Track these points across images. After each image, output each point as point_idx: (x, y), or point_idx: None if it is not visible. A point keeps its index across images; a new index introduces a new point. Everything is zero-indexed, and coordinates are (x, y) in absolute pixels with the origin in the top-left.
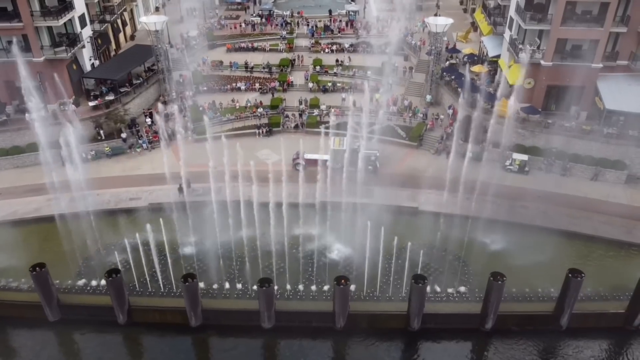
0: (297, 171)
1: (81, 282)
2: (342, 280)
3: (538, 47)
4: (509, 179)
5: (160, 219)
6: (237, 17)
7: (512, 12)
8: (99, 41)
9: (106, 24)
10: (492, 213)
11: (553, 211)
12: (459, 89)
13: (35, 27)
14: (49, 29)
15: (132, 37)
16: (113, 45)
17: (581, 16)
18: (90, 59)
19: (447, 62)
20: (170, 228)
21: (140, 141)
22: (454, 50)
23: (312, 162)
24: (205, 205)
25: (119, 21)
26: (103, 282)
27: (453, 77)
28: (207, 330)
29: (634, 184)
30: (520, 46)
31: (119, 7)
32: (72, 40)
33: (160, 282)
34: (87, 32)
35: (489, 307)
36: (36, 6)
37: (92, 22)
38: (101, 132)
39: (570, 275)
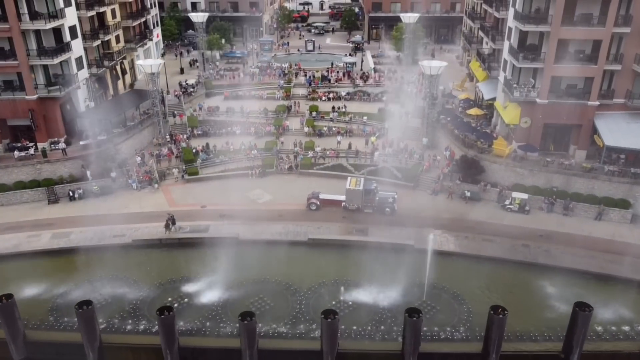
0: (310, 210)
1: (51, 318)
2: (331, 315)
3: (533, 86)
4: (509, 219)
5: (143, 255)
6: (237, 69)
7: (505, 54)
8: (97, 85)
9: (104, 69)
10: (491, 251)
11: (556, 250)
12: (456, 131)
13: (31, 66)
14: (45, 68)
15: (132, 86)
16: (111, 91)
17: (574, 54)
18: (85, 101)
19: (443, 106)
20: (153, 264)
21: (129, 181)
22: (450, 96)
23: (327, 202)
24: (192, 243)
25: (118, 68)
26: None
27: (449, 119)
28: None
29: None
30: (514, 85)
31: (119, 54)
32: (67, 80)
33: (136, 318)
34: (83, 74)
35: (491, 345)
36: (33, 45)
37: (90, 65)
38: (88, 172)
39: (577, 309)
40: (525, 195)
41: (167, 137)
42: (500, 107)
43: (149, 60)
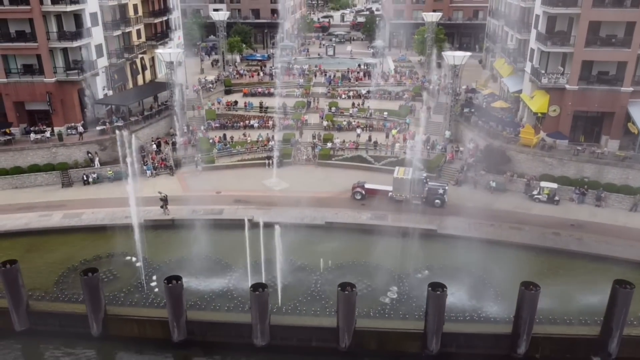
0: (355, 200)
1: (55, 289)
2: (348, 287)
3: (562, 74)
4: (538, 209)
5: (153, 234)
6: (256, 70)
7: (532, 43)
8: (116, 76)
9: (123, 60)
10: (519, 238)
11: (588, 238)
12: (480, 122)
13: (50, 50)
14: (64, 52)
15: (152, 82)
16: (130, 85)
17: (606, 39)
18: (103, 89)
19: (467, 100)
20: (162, 242)
21: (145, 167)
22: (473, 92)
23: (373, 192)
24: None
25: (138, 63)
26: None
27: (472, 110)
28: (190, 347)
29: None
30: (542, 72)
31: (139, 48)
32: (86, 66)
33: (145, 293)
34: (102, 62)
35: (521, 325)
36: (53, 28)
37: (110, 55)
38: (96, 159)
39: (617, 286)
40: (554, 185)
41: (185, 128)
42: (526, 97)
43: (169, 49)
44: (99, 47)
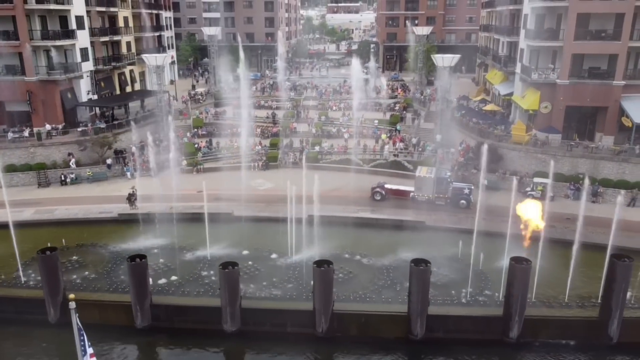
0: (375, 200)
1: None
2: (325, 264)
3: (553, 70)
4: None
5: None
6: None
7: (521, 43)
8: (102, 84)
9: (110, 67)
10: (512, 230)
11: (586, 230)
12: (471, 123)
13: (33, 49)
14: (48, 53)
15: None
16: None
17: (596, 33)
18: (88, 93)
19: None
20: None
21: (125, 169)
22: (466, 99)
23: (394, 192)
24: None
25: (127, 74)
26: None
27: (463, 112)
28: (155, 333)
29: None
30: (532, 68)
31: (127, 58)
32: (70, 67)
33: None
34: (87, 66)
35: (513, 304)
36: (37, 27)
37: (96, 61)
38: (72, 160)
39: (615, 259)
40: (548, 180)
41: (171, 133)
42: (517, 98)
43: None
44: (84, 51)
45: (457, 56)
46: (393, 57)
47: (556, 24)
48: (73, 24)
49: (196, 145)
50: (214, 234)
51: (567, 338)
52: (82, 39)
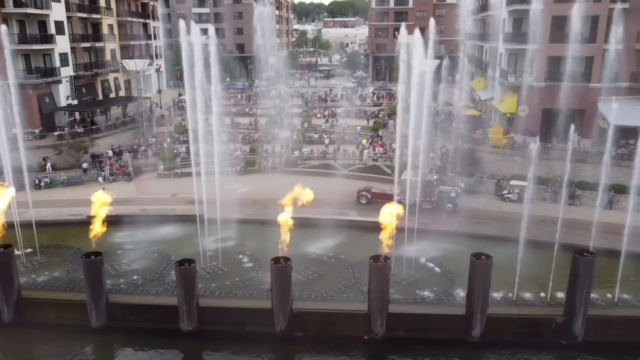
0: (360, 204)
1: None
2: (282, 260)
3: (530, 73)
4: (508, 207)
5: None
6: (236, 95)
7: (500, 47)
8: (84, 90)
9: (91, 73)
10: (485, 231)
11: (560, 231)
12: (450, 127)
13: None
14: (26, 57)
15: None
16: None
17: (572, 36)
18: (67, 98)
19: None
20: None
21: (98, 173)
22: (448, 105)
23: (380, 196)
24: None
25: (111, 81)
26: None
27: (442, 117)
28: (111, 332)
29: None
30: (509, 71)
31: (111, 65)
32: (48, 72)
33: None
34: (67, 72)
35: (474, 302)
36: (14, 30)
37: (77, 67)
38: (48, 164)
39: (577, 255)
40: (524, 183)
41: (151, 139)
42: (497, 102)
43: (134, 60)
44: (63, 56)
45: (437, 61)
46: (382, 67)
47: (535, 27)
48: (52, 29)
49: (175, 151)
50: (182, 235)
51: (532, 337)
52: (62, 44)
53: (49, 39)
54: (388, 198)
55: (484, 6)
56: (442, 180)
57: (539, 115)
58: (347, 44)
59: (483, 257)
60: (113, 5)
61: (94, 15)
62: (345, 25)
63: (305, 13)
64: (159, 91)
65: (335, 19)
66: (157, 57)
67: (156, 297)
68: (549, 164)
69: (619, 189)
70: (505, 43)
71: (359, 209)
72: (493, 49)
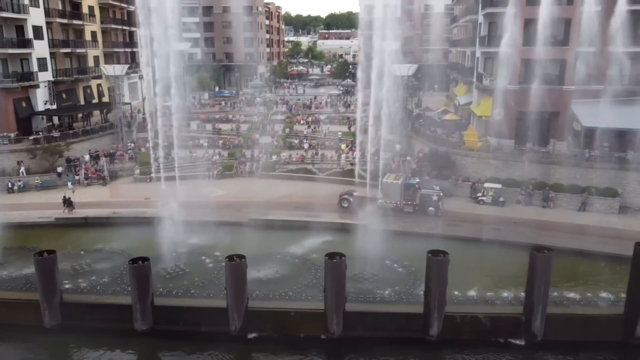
0: (342, 207)
1: None
2: (236, 257)
3: (505, 76)
4: (481, 210)
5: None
6: (220, 102)
7: (477, 51)
8: (64, 96)
9: (72, 78)
10: (456, 232)
11: (532, 233)
12: (428, 131)
13: None
14: (3, 62)
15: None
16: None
17: (546, 38)
18: (45, 103)
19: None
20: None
21: (76, 177)
22: (428, 110)
23: (362, 200)
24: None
25: (94, 88)
26: None
27: (421, 121)
28: (65, 332)
29: (632, 214)
30: (483, 74)
31: (94, 71)
32: (25, 76)
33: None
34: (45, 76)
35: (432, 301)
36: None
37: (56, 71)
38: (22, 168)
39: (535, 252)
40: (498, 185)
41: (130, 144)
42: (474, 106)
43: (112, 65)
44: (42, 61)
45: (415, 65)
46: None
47: (510, 30)
48: (30, 34)
49: (154, 155)
50: (149, 237)
51: (491, 336)
52: (40, 49)
53: (26, 43)
54: (370, 202)
55: (465, 11)
56: (425, 184)
57: (513, 118)
58: (341, 54)
59: (440, 254)
60: (97, 12)
61: (76, 22)
62: (340, 37)
63: (302, 26)
64: (144, 99)
65: (331, 31)
66: (148, 65)
67: (111, 297)
68: (524, 167)
69: (593, 192)
70: (480, 47)
71: (340, 212)
72: (473, 54)
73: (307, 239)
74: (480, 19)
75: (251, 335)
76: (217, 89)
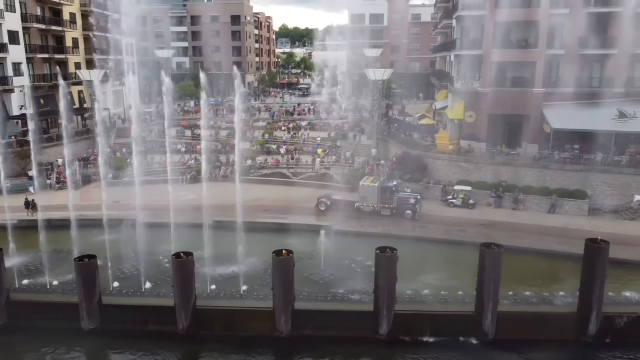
0: (319, 211)
1: None
2: (182, 254)
3: (478, 79)
4: (451, 212)
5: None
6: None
7: (451, 55)
8: (42, 101)
9: (49, 84)
10: (420, 233)
11: (497, 234)
12: (402, 135)
13: None
14: None
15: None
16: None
17: (516, 42)
18: (20, 108)
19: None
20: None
21: (47, 180)
22: (406, 114)
23: (339, 203)
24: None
25: (75, 94)
26: None
27: (396, 125)
28: (11, 332)
29: (601, 216)
30: (455, 76)
31: (75, 77)
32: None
33: None
34: (21, 81)
35: (380, 297)
36: None
37: (34, 76)
38: None
39: (484, 248)
40: (468, 188)
41: (107, 149)
42: (448, 110)
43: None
44: (17, 65)
45: (390, 70)
46: (356, 84)
47: (480, 33)
48: (4, 38)
49: (128, 160)
50: (111, 239)
51: (442, 334)
52: (15, 53)
53: (1, 47)
54: (347, 205)
55: (442, 16)
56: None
57: (485, 121)
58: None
59: (387, 250)
60: (78, 19)
61: (55, 27)
62: (335, 48)
63: (298, 38)
64: (130, 106)
65: (326, 42)
66: (133, 73)
67: (58, 295)
68: (495, 170)
69: (562, 194)
70: (453, 50)
71: (316, 214)
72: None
73: (270, 240)
74: (454, 23)
75: (199, 334)
76: (204, 96)
